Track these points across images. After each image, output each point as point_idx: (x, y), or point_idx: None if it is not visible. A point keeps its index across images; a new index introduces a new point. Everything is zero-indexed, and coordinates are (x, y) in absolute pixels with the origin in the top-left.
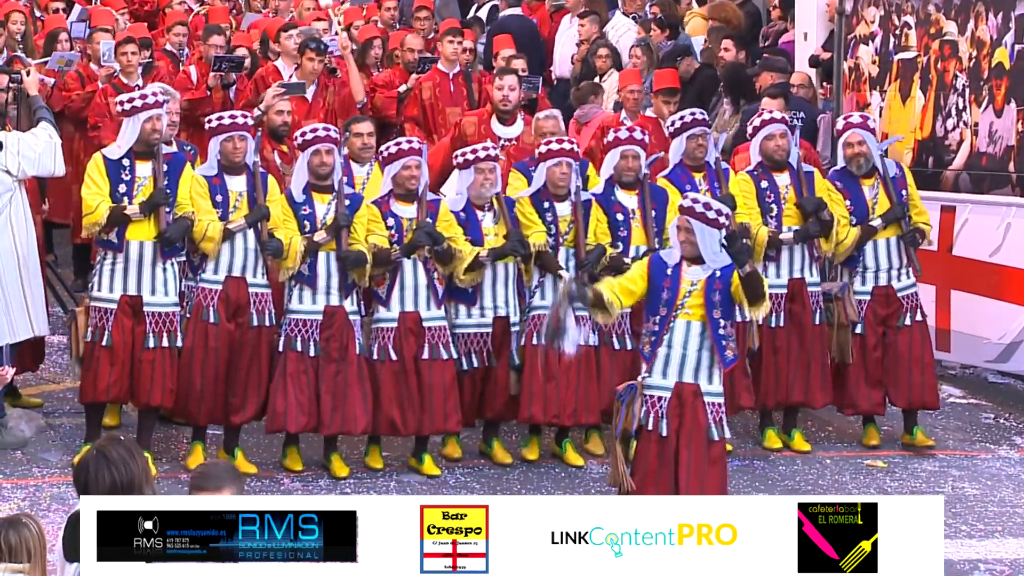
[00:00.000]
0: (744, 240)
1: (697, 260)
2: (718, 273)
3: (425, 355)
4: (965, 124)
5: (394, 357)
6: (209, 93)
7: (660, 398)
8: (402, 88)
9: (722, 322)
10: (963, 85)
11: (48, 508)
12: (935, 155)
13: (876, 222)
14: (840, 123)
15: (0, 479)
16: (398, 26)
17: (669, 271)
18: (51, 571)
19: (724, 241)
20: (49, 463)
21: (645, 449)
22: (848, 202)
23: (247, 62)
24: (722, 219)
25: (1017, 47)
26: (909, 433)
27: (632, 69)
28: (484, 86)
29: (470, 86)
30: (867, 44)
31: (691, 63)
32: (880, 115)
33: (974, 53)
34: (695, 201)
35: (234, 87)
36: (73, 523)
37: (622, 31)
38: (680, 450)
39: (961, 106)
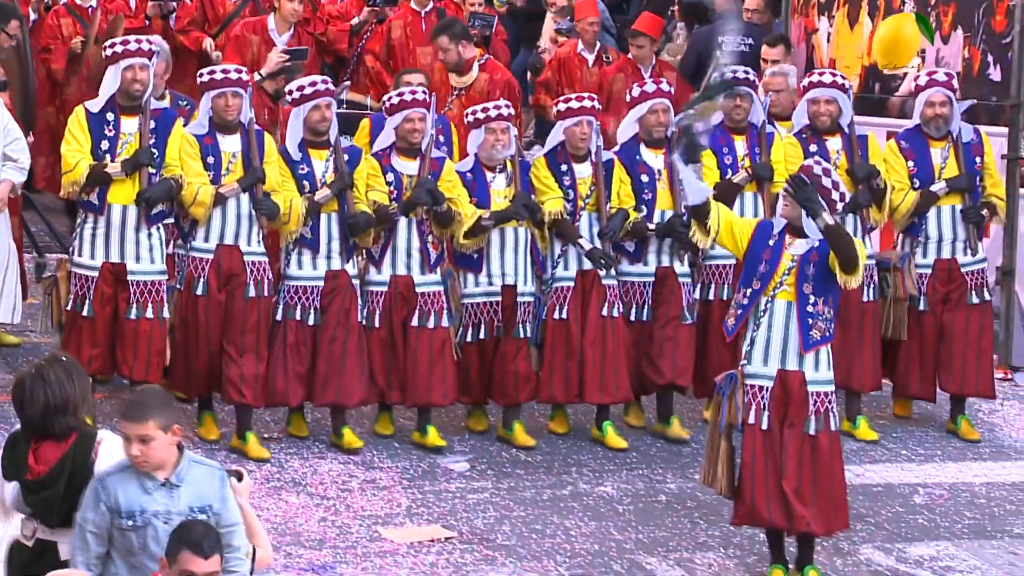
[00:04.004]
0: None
1: (801, 233)
2: (816, 244)
3: (415, 322)
4: None
5: (377, 324)
6: (148, 23)
7: (762, 388)
8: (354, 20)
9: (812, 298)
10: (911, 11)
11: None
12: (881, 81)
13: (938, 186)
14: (923, 79)
15: None
16: None
17: (772, 241)
18: None
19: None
20: None
21: (748, 444)
22: (911, 163)
23: None
24: (835, 195)
25: None
26: (953, 422)
27: (588, 0)
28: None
29: None
30: None
31: None
32: (828, 41)
33: None
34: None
35: (173, 15)
36: (12, 442)
37: None
38: (784, 445)
39: None
